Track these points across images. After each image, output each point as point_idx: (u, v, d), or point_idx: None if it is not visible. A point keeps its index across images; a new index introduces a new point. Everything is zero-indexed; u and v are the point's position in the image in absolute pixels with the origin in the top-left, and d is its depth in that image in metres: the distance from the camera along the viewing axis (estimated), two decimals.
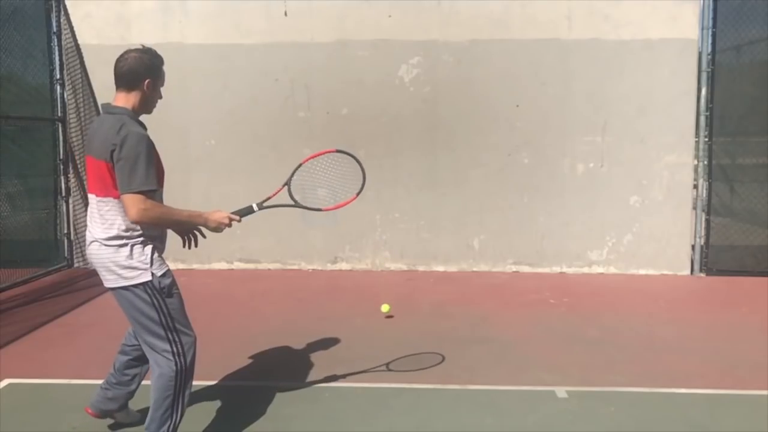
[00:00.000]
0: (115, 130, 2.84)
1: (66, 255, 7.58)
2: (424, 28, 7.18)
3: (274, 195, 3.46)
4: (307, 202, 3.63)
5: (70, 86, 7.44)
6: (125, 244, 2.93)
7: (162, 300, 2.98)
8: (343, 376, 4.20)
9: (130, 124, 2.88)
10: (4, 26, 6.67)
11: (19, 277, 6.68)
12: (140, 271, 2.93)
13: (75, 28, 7.35)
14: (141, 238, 2.95)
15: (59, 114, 7.42)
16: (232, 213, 3.20)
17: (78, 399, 3.93)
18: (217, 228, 3.15)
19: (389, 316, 5.47)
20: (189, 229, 3.24)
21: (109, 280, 2.97)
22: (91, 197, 2.99)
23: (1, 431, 3.52)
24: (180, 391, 3.03)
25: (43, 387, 4.13)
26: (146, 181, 2.82)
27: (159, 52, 3.11)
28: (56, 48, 7.32)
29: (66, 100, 7.44)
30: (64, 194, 7.53)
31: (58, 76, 7.35)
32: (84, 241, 7.98)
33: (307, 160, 3.63)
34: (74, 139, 7.51)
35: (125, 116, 2.92)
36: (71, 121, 7.47)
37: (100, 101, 7.39)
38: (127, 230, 2.92)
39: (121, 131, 2.82)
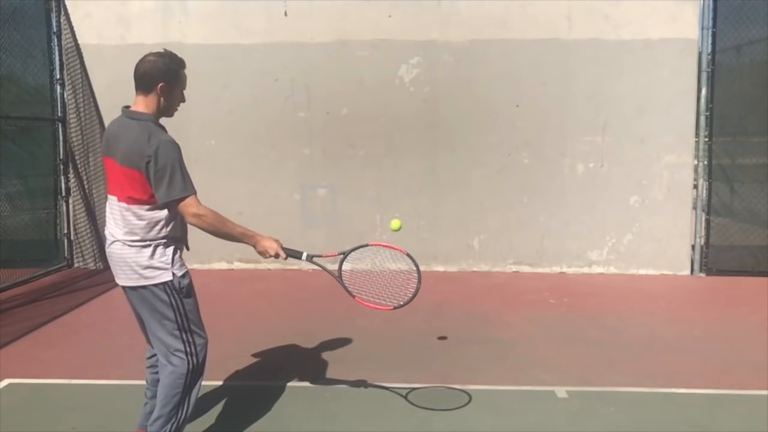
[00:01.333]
0: (144, 140, 2.86)
1: (66, 255, 7.58)
2: (424, 28, 7.18)
3: (326, 256, 3.39)
4: (348, 280, 3.48)
5: (70, 86, 7.44)
6: (148, 245, 2.95)
7: (180, 300, 3.00)
8: (343, 376, 4.20)
9: (158, 133, 2.91)
10: (4, 26, 6.67)
11: (19, 277, 6.68)
12: (161, 271, 2.96)
13: (75, 28, 7.35)
14: (164, 240, 2.98)
15: (59, 114, 7.42)
16: (284, 248, 3.18)
17: (78, 399, 3.94)
18: (263, 254, 3.16)
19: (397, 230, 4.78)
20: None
21: (130, 279, 2.97)
22: (112, 199, 3.00)
23: (1, 431, 3.52)
24: (188, 390, 3.05)
25: (43, 387, 4.13)
26: (186, 186, 2.89)
27: None
28: (56, 48, 7.31)
29: (66, 100, 7.44)
30: (64, 194, 7.53)
31: (58, 76, 7.35)
32: (84, 241, 7.89)
33: (375, 244, 3.52)
34: (74, 139, 7.51)
35: (150, 123, 2.94)
36: (71, 121, 7.47)
37: (100, 101, 7.40)
38: (149, 233, 2.94)
39: (151, 141, 2.85)
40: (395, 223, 4.37)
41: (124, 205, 2.93)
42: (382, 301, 3.43)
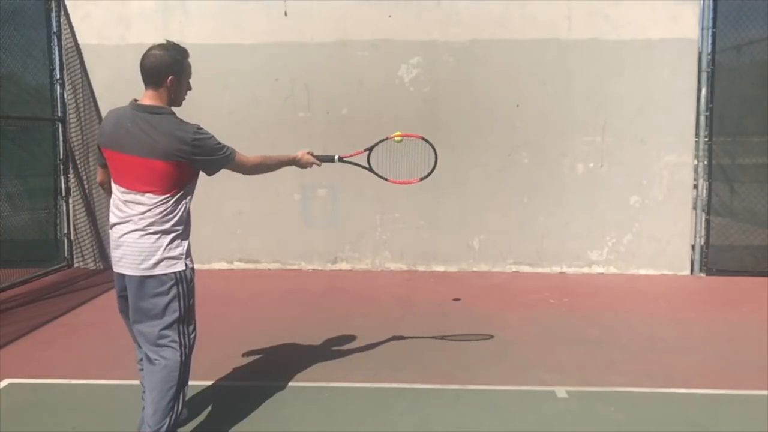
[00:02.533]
0: (177, 133, 2.96)
1: (66, 255, 7.58)
2: (424, 28, 7.18)
3: (354, 154, 3.96)
4: (379, 170, 4.19)
5: (70, 86, 7.44)
6: (166, 235, 3.02)
7: (186, 292, 3.07)
8: (343, 376, 4.20)
9: (183, 124, 3.02)
10: (4, 26, 6.67)
11: (19, 277, 6.68)
12: (175, 261, 3.03)
13: (75, 28, 7.35)
14: (180, 229, 3.06)
15: (59, 114, 7.42)
16: (316, 156, 3.76)
17: (78, 399, 3.95)
18: (305, 166, 3.76)
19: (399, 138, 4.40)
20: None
21: (143, 268, 3.00)
22: (126, 190, 3.02)
23: (1, 431, 3.52)
24: (182, 382, 3.09)
25: (43, 387, 4.13)
26: (229, 151, 3.19)
27: None
28: (56, 48, 7.31)
29: (66, 100, 7.44)
30: (64, 194, 7.53)
31: (58, 76, 7.35)
32: (84, 241, 7.87)
33: (393, 136, 4.03)
34: (74, 139, 7.51)
35: (171, 116, 3.03)
36: (71, 121, 7.47)
37: (100, 101, 7.40)
38: (167, 223, 3.01)
39: (185, 133, 2.98)
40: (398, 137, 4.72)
41: (145, 196, 2.98)
42: (409, 177, 4.21)
